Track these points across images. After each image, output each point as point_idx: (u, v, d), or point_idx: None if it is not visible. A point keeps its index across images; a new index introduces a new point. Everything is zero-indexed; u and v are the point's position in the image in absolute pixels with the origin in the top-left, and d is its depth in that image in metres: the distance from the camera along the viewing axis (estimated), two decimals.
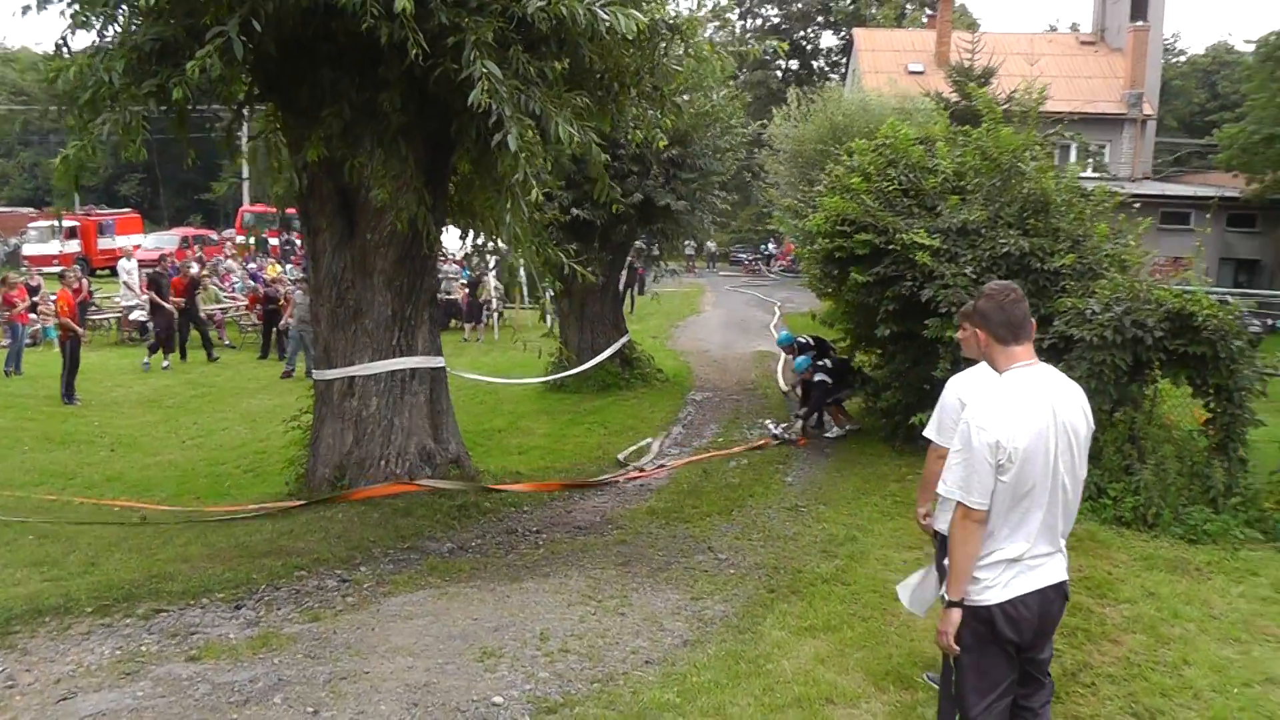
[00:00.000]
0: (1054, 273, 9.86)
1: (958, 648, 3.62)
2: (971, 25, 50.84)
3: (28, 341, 20.39)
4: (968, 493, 3.46)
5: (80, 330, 15.82)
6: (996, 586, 3.52)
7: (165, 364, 19.21)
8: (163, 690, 5.03)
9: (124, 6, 7.28)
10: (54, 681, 5.15)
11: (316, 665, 5.32)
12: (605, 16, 6.95)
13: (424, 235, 8.89)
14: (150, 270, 21.67)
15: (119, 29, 7.04)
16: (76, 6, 7.24)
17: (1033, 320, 3.71)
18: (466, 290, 23.97)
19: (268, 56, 7.37)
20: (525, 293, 24.50)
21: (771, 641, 5.71)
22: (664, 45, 8.91)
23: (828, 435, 12.39)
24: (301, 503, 8.91)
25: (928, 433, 4.94)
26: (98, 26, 7.27)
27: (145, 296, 20.35)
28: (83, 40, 7.94)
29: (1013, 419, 3.44)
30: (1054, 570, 3.59)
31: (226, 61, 6.53)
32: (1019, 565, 3.52)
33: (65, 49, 7.80)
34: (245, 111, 9.00)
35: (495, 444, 12.56)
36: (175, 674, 5.23)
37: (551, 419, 14.27)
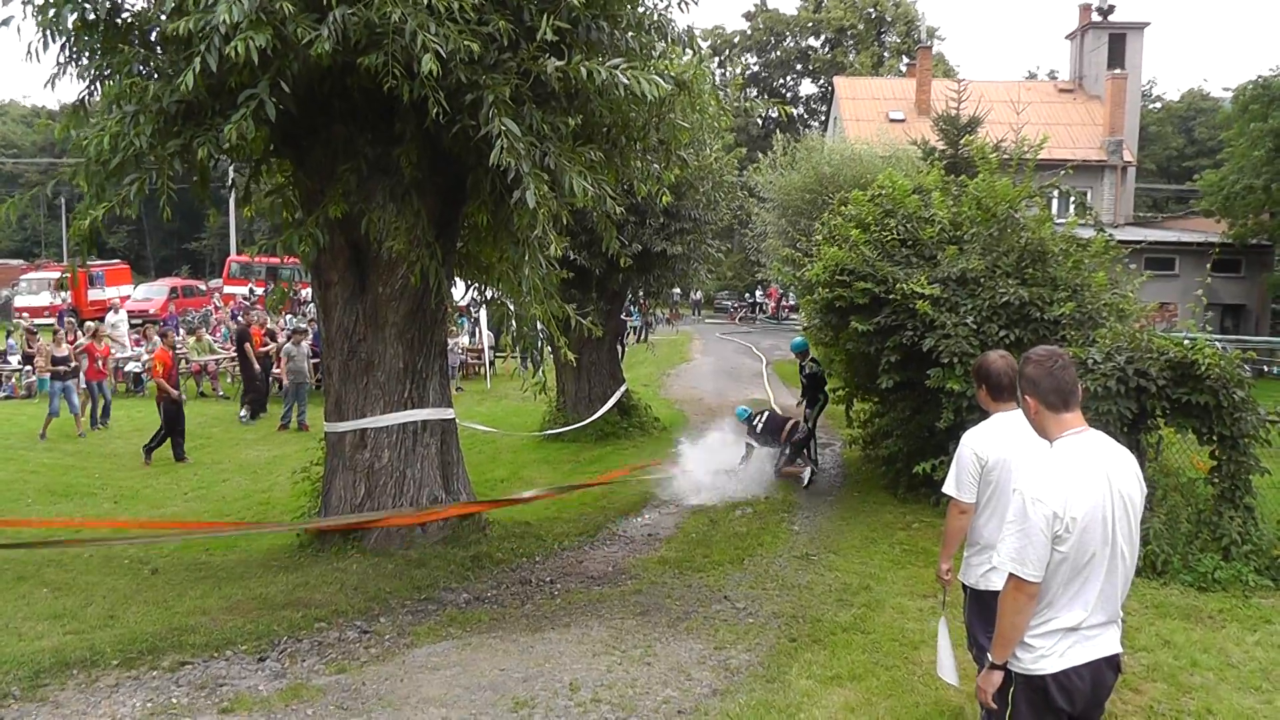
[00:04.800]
0: (1054, 321, 10.01)
1: (995, 705, 3.66)
2: (949, 73, 51.79)
3: (22, 393, 20.45)
4: (1021, 564, 3.42)
5: (174, 392, 15.46)
6: (1052, 656, 3.49)
7: (254, 419, 19.10)
8: None
9: (143, 68, 7.43)
10: None
11: (351, 717, 5.35)
12: (625, 80, 7.08)
13: (434, 288, 8.98)
14: (237, 324, 21.62)
15: (142, 99, 7.15)
16: (97, 73, 7.41)
17: (1081, 385, 3.68)
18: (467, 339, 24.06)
19: (284, 113, 7.50)
20: (514, 342, 24.72)
21: (800, 691, 5.75)
22: (670, 101, 9.10)
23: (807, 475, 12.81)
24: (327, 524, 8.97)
25: (947, 489, 4.90)
26: (116, 87, 7.43)
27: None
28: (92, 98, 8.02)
29: (1068, 489, 3.40)
30: (1109, 642, 3.56)
31: (258, 122, 6.65)
32: (1075, 635, 3.49)
33: (83, 111, 7.96)
34: (264, 168, 9.12)
35: (499, 494, 12.55)
36: None
37: (553, 469, 14.31)
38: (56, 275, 37.55)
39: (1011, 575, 3.46)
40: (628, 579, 8.60)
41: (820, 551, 9.29)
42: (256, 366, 19.23)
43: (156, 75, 7.28)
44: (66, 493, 12.66)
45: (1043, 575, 3.42)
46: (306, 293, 28.68)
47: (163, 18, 6.93)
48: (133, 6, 7.61)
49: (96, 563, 9.11)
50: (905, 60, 55.31)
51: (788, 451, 13.06)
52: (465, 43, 6.55)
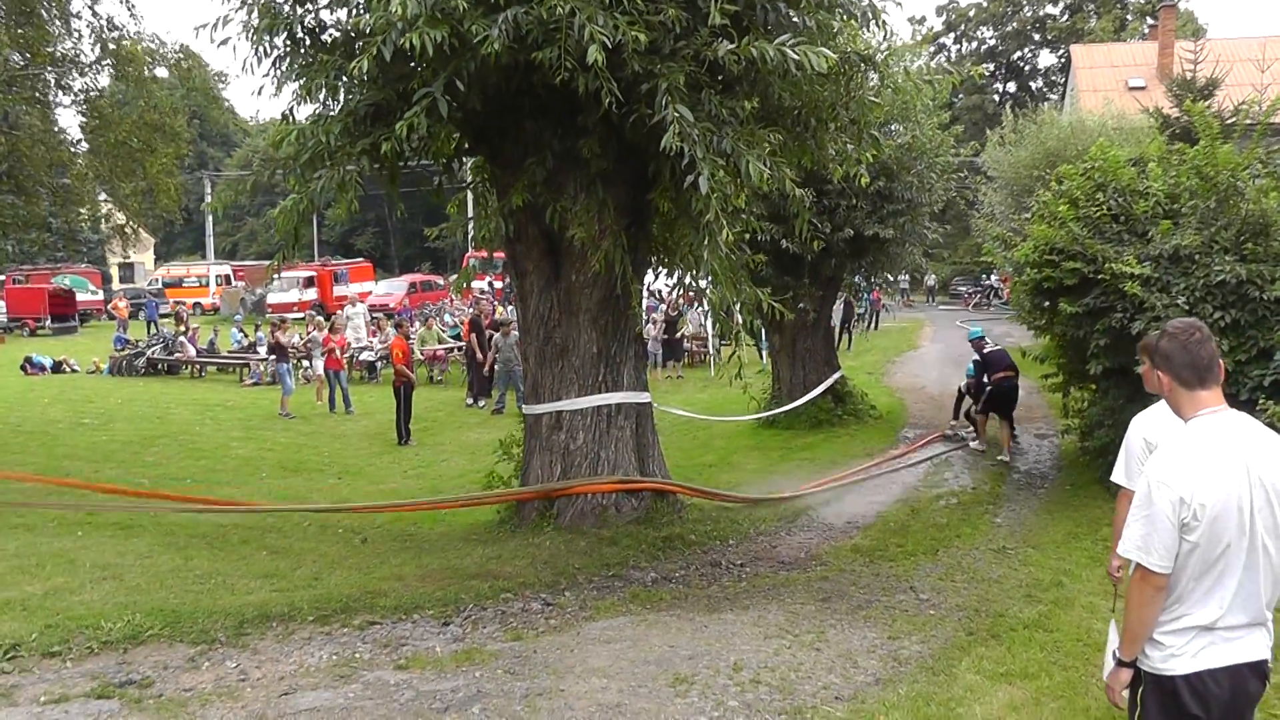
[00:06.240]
0: (1275, 301, 9.14)
1: (1123, 705, 3.46)
2: (1198, 33, 47.69)
3: (268, 380, 22.29)
4: (1147, 553, 3.18)
5: (412, 376, 17.07)
6: (1184, 656, 3.23)
7: (479, 403, 20.01)
8: (371, 694, 5.49)
9: (344, 78, 7.99)
10: (278, 678, 5.73)
11: (515, 681, 5.62)
12: (795, 55, 7.02)
13: (620, 275, 9.16)
14: (472, 313, 22.95)
15: (337, 100, 7.74)
16: (302, 81, 8.02)
17: (1221, 362, 3.37)
18: (663, 327, 24.22)
19: (474, 112, 7.87)
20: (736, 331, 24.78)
21: (965, 685, 5.55)
22: (858, 78, 8.92)
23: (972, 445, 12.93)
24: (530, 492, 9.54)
25: (1115, 477, 4.61)
26: (321, 98, 8.04)
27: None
28: (305, 110, 8.74)
29: (1198, 473, 3.14)
30: (1253, 647, 3.24)
31: (433, 119, 7.04)
32: (1212, 634, 3.21)
33: (290, 119, 8.64)
34: (455, 165, 9.59)
35: (706, 478, 12.72)
36: (384, 680, 5.69)
37: (762, 455, 14.38)
38: (306, 274, 41.26)
39: (1137, 565, 3.24)
40: (817, 565, 8.57)
41: (1018, 545, 8.92)
42: (480, 354, 20.14)
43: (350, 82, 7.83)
44: (297, 468, 13.79)
45: (1170, 566, 3.18)
46: None
47: (348, 16, 7.46)
48: (336, 21, 8.21)
49: (314, 530, 9.94)
50: (1149, 21, 51.48)
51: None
52: (634, 33, 6.67)
